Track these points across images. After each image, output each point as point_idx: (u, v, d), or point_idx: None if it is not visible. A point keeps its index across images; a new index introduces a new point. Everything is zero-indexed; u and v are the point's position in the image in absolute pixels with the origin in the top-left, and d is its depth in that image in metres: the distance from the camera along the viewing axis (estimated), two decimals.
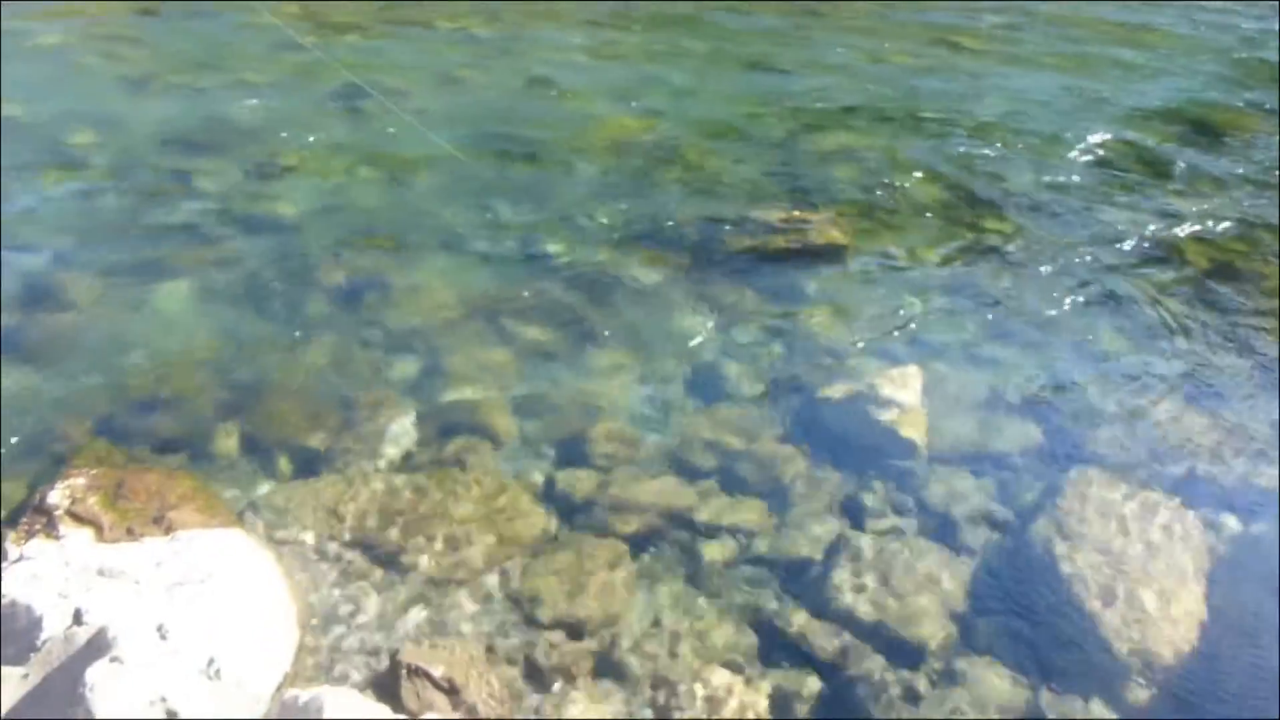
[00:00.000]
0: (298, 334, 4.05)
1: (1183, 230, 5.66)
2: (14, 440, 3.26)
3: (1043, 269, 5.11)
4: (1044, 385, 4.11)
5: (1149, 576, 3.00)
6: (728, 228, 5.29)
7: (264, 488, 3.02)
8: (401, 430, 3.41)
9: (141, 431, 3.33)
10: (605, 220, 5.39)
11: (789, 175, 6.26)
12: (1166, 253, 5.40)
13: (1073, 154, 6.97)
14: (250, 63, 8.06)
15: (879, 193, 6.04)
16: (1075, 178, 6.50)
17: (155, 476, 2.73)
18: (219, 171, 5.64)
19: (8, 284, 4.28)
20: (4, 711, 1.87)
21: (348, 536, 2.68)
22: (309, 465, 3.20)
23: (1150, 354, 4.38)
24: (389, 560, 2.67)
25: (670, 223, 5.39)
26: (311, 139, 6.33)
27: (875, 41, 10.77)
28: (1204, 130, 7.68)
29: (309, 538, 2.65)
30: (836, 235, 5.30)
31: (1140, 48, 10.49)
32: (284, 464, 3.20)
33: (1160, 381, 4.14)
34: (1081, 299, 4.79)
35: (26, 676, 1.91)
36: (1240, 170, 6.78)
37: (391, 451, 3.30)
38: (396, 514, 2.82)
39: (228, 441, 3.29)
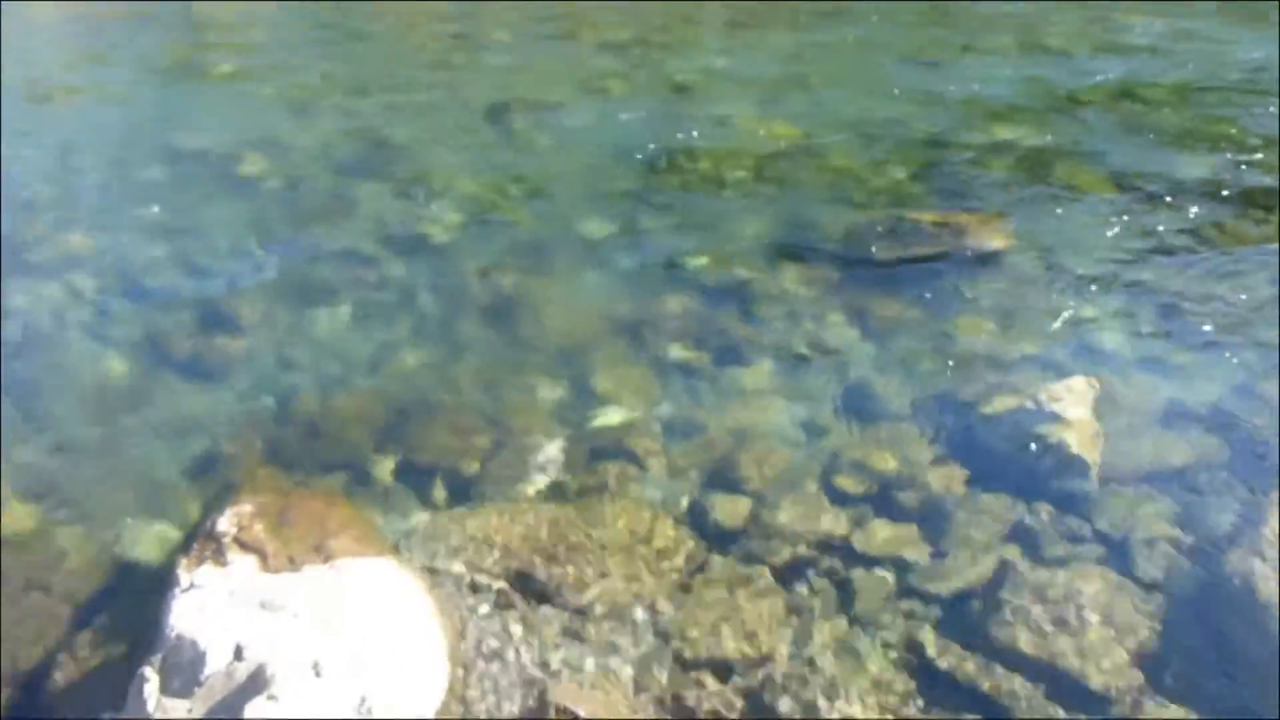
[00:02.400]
0: (451, 356, 4.14)
1: None
2: (191, 462, 3.46)
3: (1226, 268, 4.70)
4: (1232, 395, 3.76)
5: None
6: (879, 234, 5.10)
7: (418, 515, 3.09)
8: (550, 456, 3.43)
9: (306, 455, 3.47)
10: (751, 231, 5.30)
11: (942, 175, 6.00)
12: None
13: (1257, 142, 6.41)
14: (403, 84, 8.35)
15: (1041, 190, 5.71)
16: (1262, 172, 5.96)
17: (317, 503, 2.83)
18: (375, 193, 5.86)
19: (188, 309, 4.56)
20: None
21: (497, 568, 2.70)
22: (461, 492, 3.26)
23: None
24: (537, 593, 2.67)
25: (818, 232, 5.25)
26: (461, 158, 6.49)
27: (1032, 26, 10.24)
28: None
29: (459, 568, 2.69)
30: (995, 238, 5.04)
31: None
32: (437, 491, 3.27)
33: None
34: (1272, 300, 4.37)
35: (190, 711, 2.00)
36: None
37: (540, 478, 3.31)
38: (545, 544, 2.83)
39: (384, 466, 3.38)
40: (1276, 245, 4.87)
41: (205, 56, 9.68)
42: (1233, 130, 6.62)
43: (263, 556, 2.51)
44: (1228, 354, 4.02)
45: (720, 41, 9.94)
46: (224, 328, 4.38)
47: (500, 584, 2.64)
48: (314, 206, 5.74)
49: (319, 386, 3.94)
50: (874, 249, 4.99)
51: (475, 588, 2.61)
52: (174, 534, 3.06)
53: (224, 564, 2.45)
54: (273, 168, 6.41)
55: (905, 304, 4.47)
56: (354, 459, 3.43)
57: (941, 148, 6.45)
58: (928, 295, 4.53)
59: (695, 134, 6.92)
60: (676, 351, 4.18)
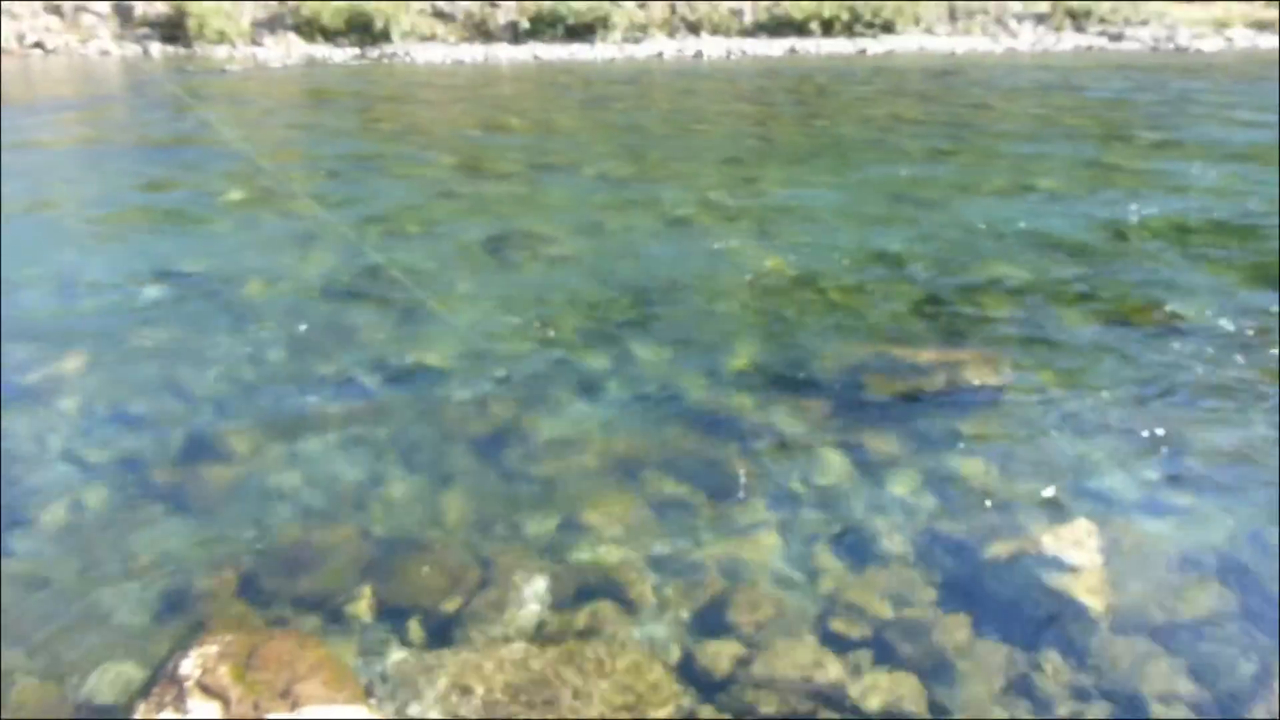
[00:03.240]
0: (439, 489, 4.05)
1: None
2: (162, 598, 3.33)
3: (1229, 409, 4.67)
4: (1241, 543, 3.66)
5: None
6: (875, 370, 5.09)
7: (393, 656, 2.94)
8: (536, 594, 3.30)
9: (282, 591, 3.34)
10: (747, 364, 5.29)
11: (937, 311, 6.04)
12: None
13: (1249, 279, 6.50)
14: (405, 213, 8.51)
15: (1037, 327, 5.73)
16: (1255, 306, 6.02)
17: (288, 644, 2.70)
18: (373, 322, 5.87)
19: (174, 436, 4.48)
20: None
21: (475, 716, 2.56)
22: (441, 633, 3.11)
23: None
24: None
25: (813, 366, 5.23)
26: (459, 288, 6.54)
27: (1022, 166, 10.55)
28: None
29: (436, 715, 2.54)
30: (991, 375, 5.03)
31: None
32: (416, 631, 3.12)
33: None
34: (1267, 444, 4.32)
35: None
36: None
37: (524, 618, 3.18)
38: (527, 691, 2.68)
39: (362, 604, 3.25)
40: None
41: (220, 185, 9.89)
42: (1233, 268, 6.71)
43: (225, 703, 2.37)
44: (1235, 499, 3.94)
45: (717, 177, 10.20)
46: (209, 456, 4.30)
47: None
48: (310, 333, 5.75)
49: (301, 519, 3.84)
50: (870, 385, 4.97)
51: None
52: (138, 676, 2.90)
53: (184, 712, 2.31)
54: (271, 294, 6.46)
55: (902, 442, 4.41)
56: (331, 595, 3.30)
57: (937, 284, 6.52)
58: (925, 433, 4.48)
59: (690, 267, 7.01)
60: (669, 487, 4.09)
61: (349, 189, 9.71)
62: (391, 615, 3.21)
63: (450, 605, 3.26)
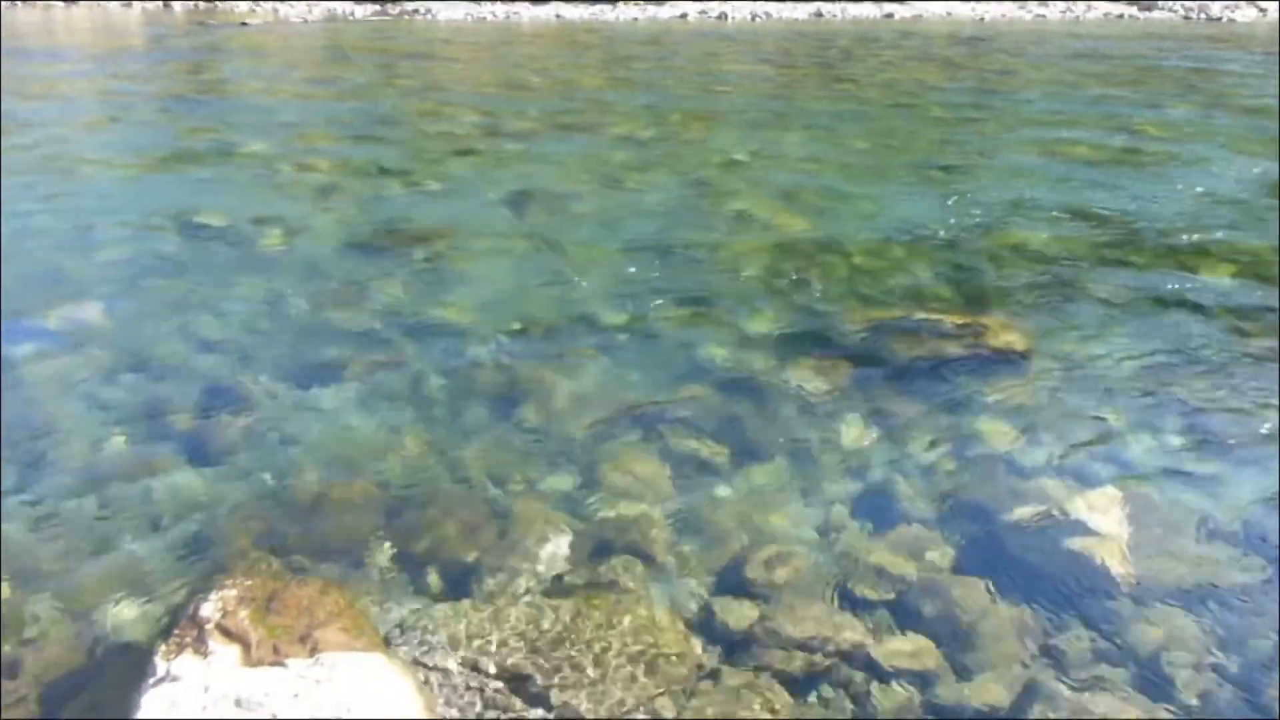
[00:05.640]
0: (457, 442, 4.04)
1: None
2: (183, 541, 3.33)
3: (1250, 371, 4.60)
4: (1265, 510, 3.61)
5: None
6: (897, 333, 5.04)
7: (412, 605, 2.93)
8: (555, 549, 3.28)
9: (301, 539, 3.34)
10: (768, 325, 5.24)
11: (960, 276, 5.97)
12: None
13: (1271, 254, 6.38)
14: (425, 169, 8.45)
15: (1060, 293, 5.66)
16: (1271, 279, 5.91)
17: (308, 591, 2.69)
18: (393, 274, 5.84)
19: (194, 384, 4.48)
20: None
21: (493, 667, 2.54)
22: (460, 584, 3.11)
23: None
24: (535, 696, 2.50)
25: (836, 328, 5.18)
26: (478, 244, 6.50)
27: (1050, 133, 10.37)
28: None
29: (453, 665, 2.52)
30: (1015, 339, 4.96)
31: None
32: (434, 581, 3.12)
33: None
34: None
35: None
36: None
37: (543, 571, 3.17)
38: (545, 644, 2.67)
39: (381, 554, 3.24)
40: None
41: (231, 137, 9.85)
42: (1255, 244, 6.59)
43: (245, 646, 2.37)
44: (1259, 466, 3.88)
45: (739, 139, 10.09)
46: (228, 405, 4.30)
47: (496, 684, 2.48)
48: (329, 285, 5.73)
49: (320, 468, 3.82)
50: (892, 347, 4.92)
51: (469, 687, 2.45)
52: (160, 616, 2.92)
53: (204, 653, 2.31)
54: (291, 246, 6.44)
55: (925, 405, 4.36)
56: (350, 545, 3.30)
57: (961, 249, 6.43)
58: (948, 397, 4.43)
59: (713, 227, 6.94)
60: (689, 445, 4.06)
61: (368, 146, 9.65)
62: (410, 565, 3.20)
63: (469, 557, 3.25)
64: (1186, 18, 25.77)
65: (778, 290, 5.77)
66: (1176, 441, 4.09)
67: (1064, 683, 2.81)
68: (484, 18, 25.33)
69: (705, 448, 4.04)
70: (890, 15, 26.83)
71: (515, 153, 9.33)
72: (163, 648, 2.37)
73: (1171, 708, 2.71)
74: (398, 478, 3.78)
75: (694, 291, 5.74)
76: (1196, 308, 5.43)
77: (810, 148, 9.71)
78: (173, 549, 3.29)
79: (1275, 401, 4.36)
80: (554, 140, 9.97)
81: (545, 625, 2.73)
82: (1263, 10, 26.60)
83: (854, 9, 27.38)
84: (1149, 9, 26.87)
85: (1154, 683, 2.81)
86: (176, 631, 2.44)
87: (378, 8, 27.43)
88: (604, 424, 4.24)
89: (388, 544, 3.30)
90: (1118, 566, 3.21)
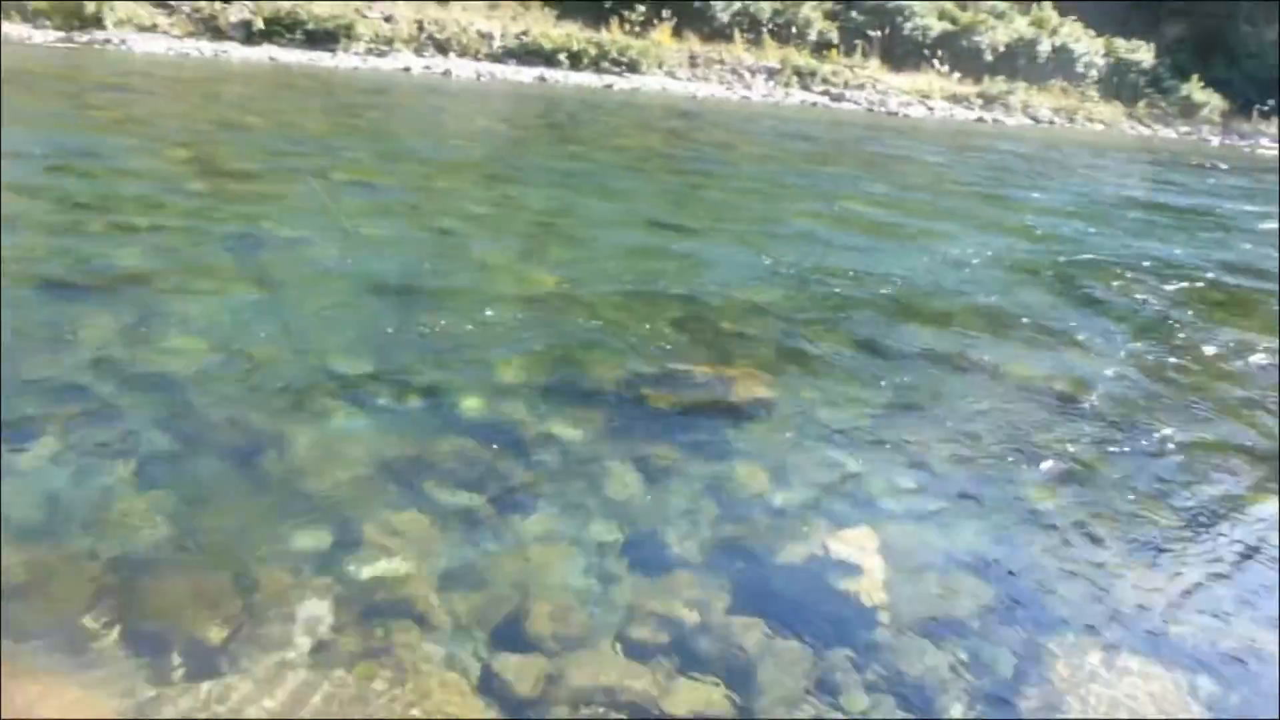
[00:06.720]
0: (189, 504, 3.58)
1: (1089, 371, 5.82)
2: None
3: (965, 422, 5.09)
4: (990, 543, 3.97)
5: None
6: (650, 383, 5.11)
7: (154, 693, 2.52)
8: (315, 615, 2.96)
9: (13, 628, 2.79)
10: (521, 376, 5.14)
11: (702, 330, 6.19)
12: (1078, 396, 5.52)
13: (976, 307, 7.17)
14: (135, 204, 7.65)
15: (797, 346, 6.01)
16: (981, 332, 6.64)
17: (35, 689, 2.23)
18: (99, 319, 5.18)
19: None
20: None
21: None
22: (208, 662, 2.71)
23: (1083, 505, 4.32)
24: None
25: (590, 378, 5.18)
26: (197, 289, 5.93)
27: (771, 202, 11.16)
28: (1084, 289, 8.09)
29: None
30: (761, 390, 5.20)
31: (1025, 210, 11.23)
32: (177, 662, 2.70)
33: (1105, 536, 4.06)
34: (999, 452, 4.76)
35: None
36: (1130, 328, 7.11)
37: (305, 641, 2.84)
38: (321, 716, 2.38)
39: (107, 637, 2.77)
40: (1004, 406, 5.35)
41: None
42: (961, 307, 7.36)
43: None
44: (979, 503, 4.27)
45: (478, 192, 10.01)
46: None
47: None
48: (22, 331, 4.97)
49: (18, 543, 3.24)
50: (646, 397, 4.98)
51: None
52: None
53: None
54: None
55: (683, 452, 4.43)
56: (70, 629, 2.80)
57: (701, 306, 6.68)
58: (704, 444, 4.53)
59: (455, 275, 6.79)
60: (450, 497, 3.86)
61: (62, 178, 8.61)
62: (146, 647, 2.76)
63: (213, 632, 2.86)
64: (869, 110, 28.92)
65: (527, 341, 5.69)
66: (906, 485, 4.40)
67: (841, 713, 2.90)
68: (187, 53, 23.65)
69: (468, 500, 3.86)
70: (610, 85, 27.98)
71: (237, 193, 8.68)
72: None
73: None
74: (115, 546, 3.28)
75: (441, 341, 5.53)
76: (926, 359, 5.95)
77: (550, 204, 9.80)
78: None
79: (982, 445, 4.82)
80: (279, 182, 9.38)
81: (317, 700, 2.44)
82: (930, 109, 30.41)
83: (576, 77, 28.29)
84: (839, 99, 29.91)
85: (919, 709, 2.96)
86: None
87: (63, 34, 24.87)
88: (355, 478, 3.95)
89: (113, 626, 2.83)
90: (879, 601, 3.39)
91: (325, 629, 2.92)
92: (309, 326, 5.50)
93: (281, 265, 6.64)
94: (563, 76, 28.26)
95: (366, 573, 3.26)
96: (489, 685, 2.79)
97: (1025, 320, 7.04)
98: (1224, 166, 24.21)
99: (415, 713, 2.54)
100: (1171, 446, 5.02)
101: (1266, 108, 37.28)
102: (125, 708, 2.41)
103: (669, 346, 5.76)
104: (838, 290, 7.41)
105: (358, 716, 2.46)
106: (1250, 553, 4.06)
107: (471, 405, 4.73)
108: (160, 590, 3.03)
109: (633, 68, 30.25)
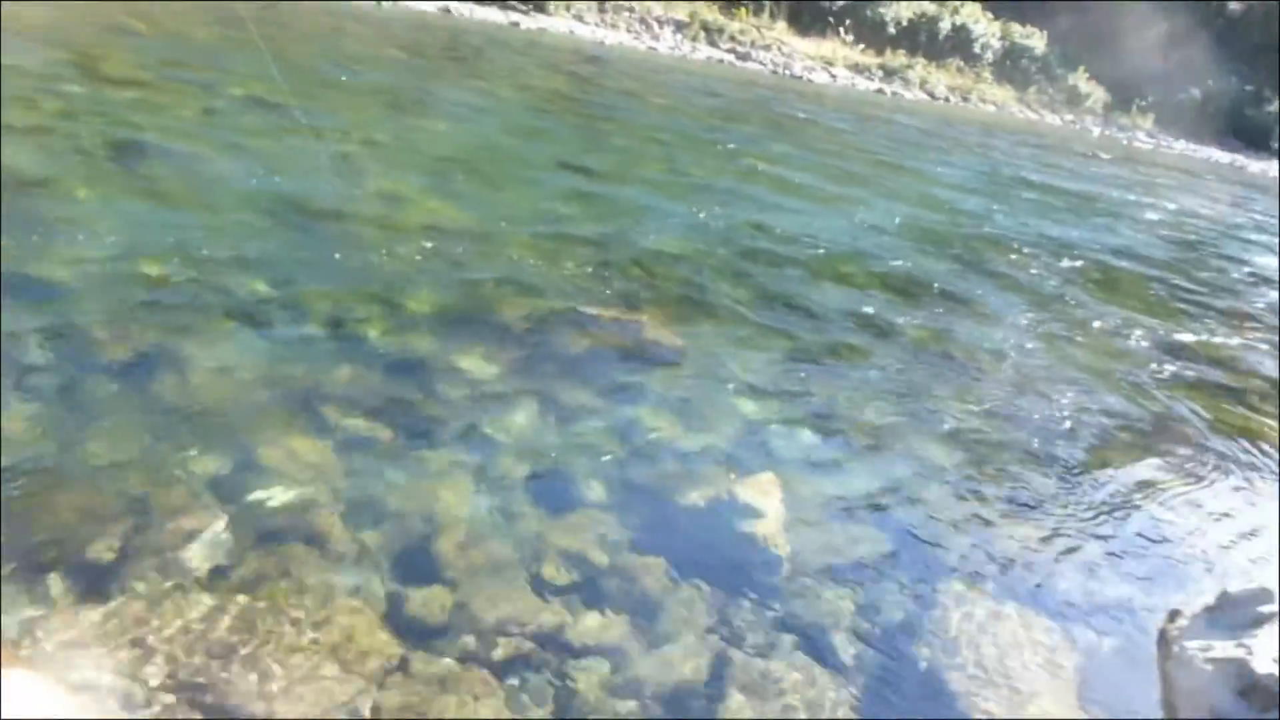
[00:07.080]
0: (74, 421, 3.39)
1: (988, 338, 6.06)
2: None
3: (866, 378, 5.24)
4: (886, 493, 4.11)
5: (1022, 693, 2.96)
6: (561, 324, 5.08)
7: (37, 612, 2.39)
8: (211, 538, 2.85)
9: None
10: (427, 307, 5.03)
11: (612, 276, 6.16)
12: (976, 360, 5.74)
13: (885, 271, 7.35)
14: (10, 107, 7.11)
15: (702, 299, 6.04)
16: (889, 295, 6.83)
17: None
18: None
19: None
20: None
21: (160, 676, 2.14)
22: (97, 585, 2.59)
23: (974, 462, 4.52)
24: (214, 704, 2.15)
25: (497, 315, 5.11)
26: (93, 195, 5.58)
27: (677, 151, 11.15)
28: (986, 262, 8.40)
29: (110, 679, 2.09)
30: (669, 336, 5.23)
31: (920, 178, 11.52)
32: (63, 584, 2.56)
33: (992, 492, 4.26)
34: (899, 408, 4.93)
35: None
36: (1006, 294, 7.42)
37: (202, 565, 2.73)
38: (218, 643, 2.30)
39: None
40: (896, 360, 5.53)
41: None
42: (868, 270, 7.53)
43: None
44: (877, 456, 4.42)
45: (379, 119, 9.66)
46: None
47: (166, 697, 2.09)
48: None
49: None
50: (557, 336, 4.95)
51: (133, 701, 2.03)
52: None
53: None
54: None
55: (591, 393, 4.43)
56: None
57: (609, 251, 6.64)
58: (614, 386, 4.54)
59: (357, 202, 6.56)
60: (353, 425, 3.76)
61: None
62: (27, 566, 2.61)
63: (102, 554, 2.72)
64: (774, 71, 29.05)
65: (434, 274, 5.56)
66: (808, 435, 4.51)
67: (742, 651, 2.97)
68: None
69: (372, 430, 3.77)
70: (516, 24, 27.27)
71: (120, 99, 8.14)
72: None
73: (829, 671, 2.97)
74: None
75: (344, 268, 5.36)
76: (834, 317, 6.07)
77: (457, 139, 9.55)
78: None
79: (882, 402, 4.98)
80: (168, 91, 8.84)
81: (216, 624, 2.36)
82: (833, 76, 30.72)
83: (481, 11, 27.43)
84: (745, 59, 29.92)
85: (816, 649, 3.06)
86: None
87: None
88: (254, 401, 3.81)
89: None
90: (779, 544, 3.47)
91: (223, 554, 2.82)
92: (204, 242, 5.23)
93: (174, 178, 6.29)
94: (468, 10, 27.40)
95: (266, 498, 3.16)
96: (397, 614, 2.76)
97: (933, 287, 7.27)
98: (1105, 156, 25.34)
99: (322, 638, 2.49)
100: (1058, 413, 5.29)
101: (1145, 103, 39.07)
102: (7, 628, 2.28)
103: (579, 289, 5.72)
104: (749, 245, 7.48)
105: (263, 641, 2.39)
106: (1124, 511, 4.33)
107: (376, 335, 4.61)
108: (44, 506, 2.87)
109: (539, 8, 29.56)
